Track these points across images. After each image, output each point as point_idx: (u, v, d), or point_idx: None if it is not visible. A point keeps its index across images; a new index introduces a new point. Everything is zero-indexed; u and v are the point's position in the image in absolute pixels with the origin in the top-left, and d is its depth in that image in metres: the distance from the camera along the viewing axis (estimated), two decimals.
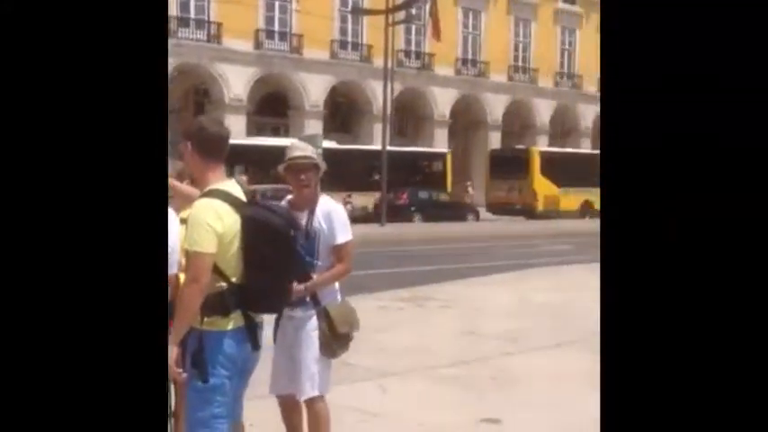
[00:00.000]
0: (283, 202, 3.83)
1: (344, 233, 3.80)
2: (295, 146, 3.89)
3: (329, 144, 26.74)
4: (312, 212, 3.78)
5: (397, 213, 26.89)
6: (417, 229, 25.84)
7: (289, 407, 3.88)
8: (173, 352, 3.02)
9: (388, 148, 27.80)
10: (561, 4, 45.48)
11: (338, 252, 3.78)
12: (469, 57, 42.33)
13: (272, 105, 37.04)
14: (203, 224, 3.03)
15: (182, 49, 31.74)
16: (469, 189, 36.54)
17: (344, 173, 22.89)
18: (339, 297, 3.88)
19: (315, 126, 35.10)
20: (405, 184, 27.33)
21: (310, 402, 3.81)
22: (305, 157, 3.79)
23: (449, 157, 32.71)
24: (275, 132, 35.24)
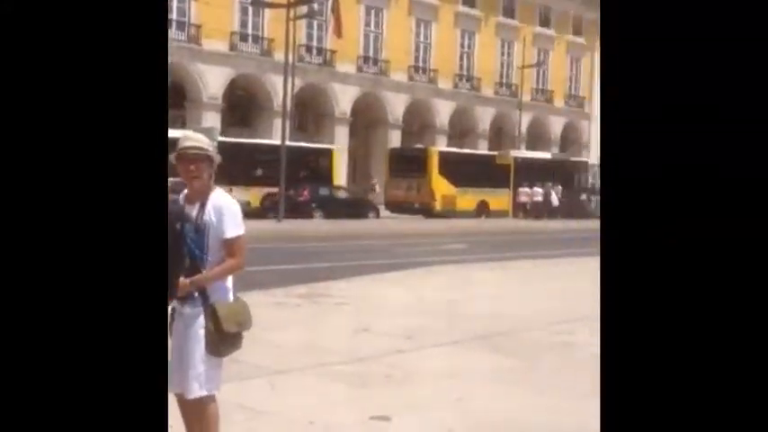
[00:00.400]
0: (181, 196, 3.72)
1: (235, 227, 3.69)
2: (187, 136, 3.78)
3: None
4: (203, 205, 3.67)
5: (295, 209, 26.77)
6: (317, 225, 25.75)
7: (183, 404, 3.77)
8: None
9: (272, 142, 27.41)
10: (461, 7, 46.16)
11: (229, 247, 3.67)
12: (371, 55, 42.52)
13: (169, 96, 36.23)
14: None
15: None
16: (376, 187, 36.70)
17: (227, 167, 22.43)
18: (231, 294, 3.77)
19: (213, 119, 34.56)
20: (289, 180, 26.79)
21: (199, 401, 3.71)
22: (196, 148, 3.68)
23: (335, 154, 32.38)
24: (171, 124, 34.50)
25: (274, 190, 26.56)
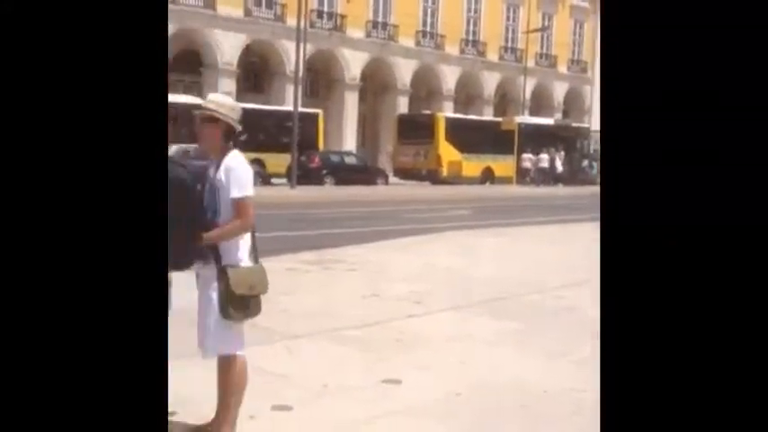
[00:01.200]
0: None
1: (239, 188, 3.77)
2: (208, 98, 3.92)
3: (193, 100, 26.10)
4: (218, 166, 3.81)
5: (306, 176, 26.96)
6: (328, 192, 25.94)
7: (217, 364, 3.95)
8: None
9: (259, 107, 26.80)
10: None
11: (234, 207, 3.77)
12: (380, 19, 42.30)
13: (186, 63, 36.28)
14: None
15: None
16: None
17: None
18: (246, 258, 3.86)
19: (228, 85, 34.69)
20: (275, 145, 26.32)
21: (221, 361, 3.90)
22: (203, 109, 3.83)
23: (320, 118, 31.65)
24: (188, 90, 34.31)
25: (259, 156, 26.46)
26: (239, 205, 3.77)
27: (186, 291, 3.85)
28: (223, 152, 3.84)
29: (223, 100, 3.92)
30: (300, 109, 31.75)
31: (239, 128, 3.88)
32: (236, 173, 3.78)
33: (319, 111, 32.57)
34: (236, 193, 3.76)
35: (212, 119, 3.81)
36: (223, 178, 3.77)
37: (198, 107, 3.88)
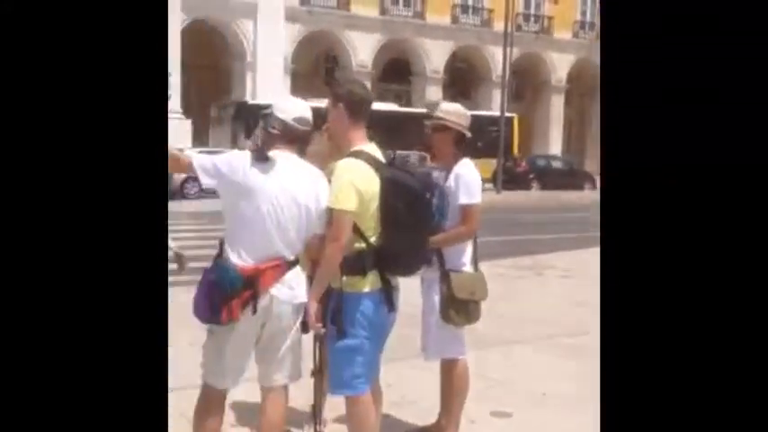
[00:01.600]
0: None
1: (467, 195, 3.86)
2: (439, 107, 4.03)
3: (386, 106, 26.11)
4: (449, 173, 3.91)
5: (513, 180, 26.78)
6: (534, 196, 25.71)
7: (440, 367, 4.03)
8: (312, 307, 3.20)
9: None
10: None
11: (461, 213, 3.85)
12: (587, 19, 41.31)
13: (396, 71, 37.24)
14: (347, 183, 3.15)
15: (312, 17, 32.78)
16: None
17: (398, 134, 21.36)
18: (468, 264, 3.94)
19: (435, 92, 35.25)
20: (471, 150, 25.58)
21: (443, 364, 3.98)
22: (433, 118, 3.94)
23: (515, 122, 31.00)
24: (398, 99, 34.94)
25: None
26: (466, 211, 3.86)
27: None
28: (454, 159, 3.95)
29: (452, 108, 4.01)
30: (495, 113, 30.95)
31: (469, 135, 3.96)
32: (465, 180, 3.88)
33: (514, 114, 31.95)
34: (464, 199, 3.86)
35: (443, 127, 3.92)
36: (453, 185, 3.87)
37: (425, 116, 4.02)
